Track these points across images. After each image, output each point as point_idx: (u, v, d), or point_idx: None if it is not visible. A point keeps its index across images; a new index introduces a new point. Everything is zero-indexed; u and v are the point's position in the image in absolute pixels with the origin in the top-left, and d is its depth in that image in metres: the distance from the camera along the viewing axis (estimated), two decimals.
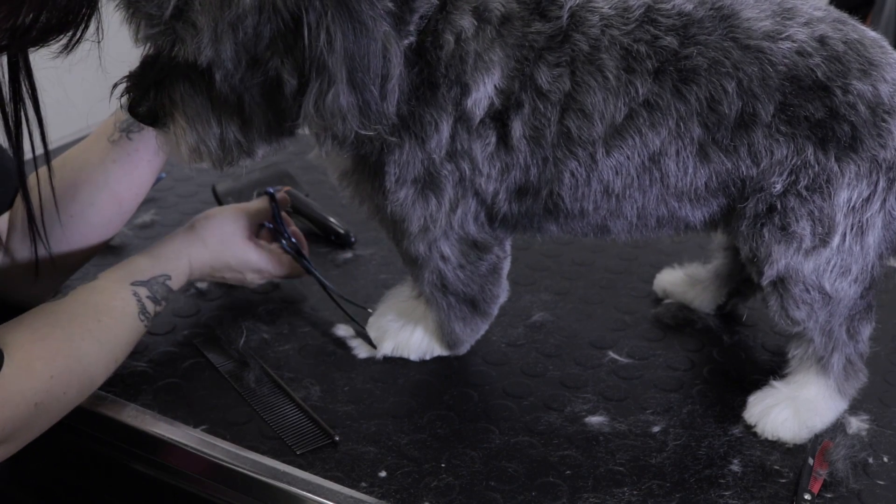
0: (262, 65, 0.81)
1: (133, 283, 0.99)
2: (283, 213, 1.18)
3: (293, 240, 1.16)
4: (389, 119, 0.86)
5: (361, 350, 1.09)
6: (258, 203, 1.17)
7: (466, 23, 0.89)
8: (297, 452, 0.93)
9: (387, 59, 0.81)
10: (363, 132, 0.83)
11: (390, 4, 0.85)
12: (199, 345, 1.09)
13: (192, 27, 0.80)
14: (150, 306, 1.00)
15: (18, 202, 1.02)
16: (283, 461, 0.92)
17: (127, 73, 0.89)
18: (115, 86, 0.91)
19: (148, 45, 0.86)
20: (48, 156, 0.94)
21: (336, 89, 0.79)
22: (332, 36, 0.78)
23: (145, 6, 0.81)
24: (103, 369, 0.94)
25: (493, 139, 0.92)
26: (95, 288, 0.98)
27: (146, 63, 0.88)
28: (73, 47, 0.82)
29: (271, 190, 1.18)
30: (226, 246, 1.10)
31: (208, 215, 1.11)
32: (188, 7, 0.79)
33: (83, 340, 0.91)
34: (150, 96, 0.87)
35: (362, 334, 1.10)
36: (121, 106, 0.90)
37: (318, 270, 1.15)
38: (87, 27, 0.82)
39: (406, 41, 0.88)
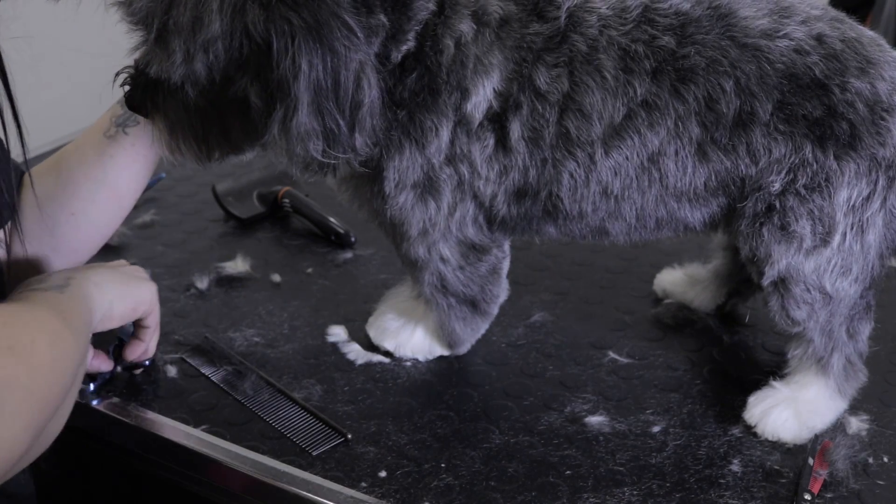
0: (233, 83, 0.82)
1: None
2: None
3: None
4: (360, 150, 0.85)
5: (359, 356, 1.09)
6: None
7: (466, 27, 0.89)
8: (314, 454, 0.93)
9: (359, 87, 0.81)
10: (325, 160, 0.83)
11: (383, 18, 0.85)
12: (188, 357, 1.07)
13: (165, 48, 0.81)
14: None
15: (22, 208, 1.01)
16: (283, 461, 0.92)
17: (130, 64, 0.91)
18: (117, 73, 0.94)
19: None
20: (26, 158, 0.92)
21: (299, 115, 0.79)
22: (297, 62, 0.78)
23: (139, 30, 0.84)
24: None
25: (492, 141, 0.92)
26: None
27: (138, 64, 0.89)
28: None
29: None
30: None
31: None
32: (165, 28, 0.81)
33: None
34: (141, 91, 0.89)
35: None
36: (124, 95, 0.92)
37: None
38: None
39: (404, 47, 0.88)
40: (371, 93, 0.82)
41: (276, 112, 0.80)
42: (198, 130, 0.88)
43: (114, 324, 0.94)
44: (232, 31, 0.79)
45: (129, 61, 0.90)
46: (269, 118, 0.81)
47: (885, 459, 0.94)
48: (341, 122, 0.81)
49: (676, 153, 0.91)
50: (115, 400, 1.00)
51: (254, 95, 0.81)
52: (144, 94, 0.88)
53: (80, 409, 0.92)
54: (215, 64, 0.81)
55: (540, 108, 0.90)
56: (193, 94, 0.84)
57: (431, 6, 0.89)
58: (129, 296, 0.96)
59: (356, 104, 0.81)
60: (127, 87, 0.91)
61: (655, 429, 0.98)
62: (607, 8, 0.91)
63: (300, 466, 0.91)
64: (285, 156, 0.83)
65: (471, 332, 1.07)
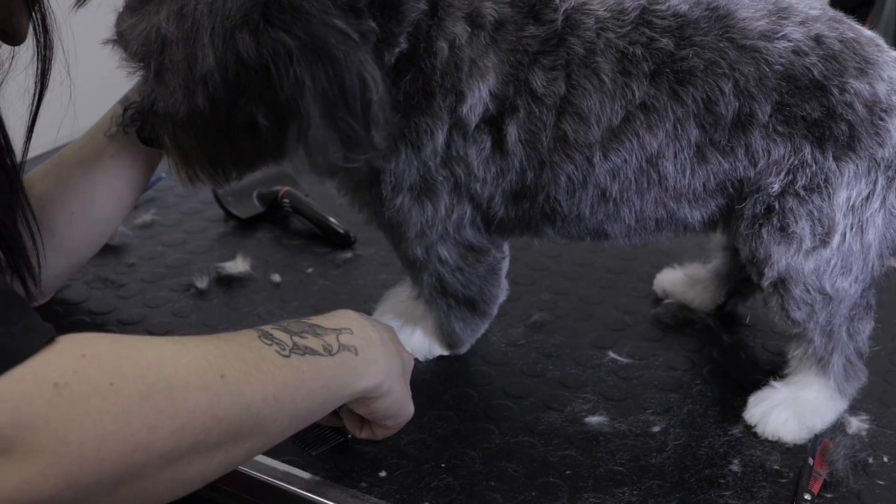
0: (238, 108, 0.82)
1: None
2: None
3: None
4: (378, 146, 0.84)
5: None
6: None
7: (460, 29, 0.89)
8: (313, 454, 0.93)
9: (365, 86, 0.80)
10: (349, 165, 0.83)
11: (372, 23, 0.85)
12: None
13: (165, 86, 0.82)
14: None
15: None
16: (283, 461, 0.92)
17: (136, 99, 0.91)
18: (125, 108, 0.96)
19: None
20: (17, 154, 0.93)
21: (313, 129, 0.79)
22: (300, 79, 0.77)
23: (139, 67, 0.85)
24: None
25: (489, 144, 0.92)
26: None
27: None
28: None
29: None
30: None
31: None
32: (162, 67, 0.81)
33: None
34: (151, 126, 0.89)
35: None
36: (135, 131, 0.94)
37: None
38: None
39: (397, 49, 0.87)
40: (377, 88, 0.81)
41: (291, 130, 0.80)
42: (212, 156, 0.88)
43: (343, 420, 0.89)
44: (226, 62, 0.79)
45: (127, 60, 0.90)
46: (281, 136, 0.81)
47: (885, 459, 0.94)
48: (356, 126, 0.80)
49: (675, 155, 0.90)
50: None
51: (261, 117, 0.81)
52: (155, 129, 0.89)
53: None
54: (217, 94, 0.81)
55: (537, 110, 0.90)
56: (201, 124, 0.84)
57: (422, 6, 0.88)
58: (401, 409, 0.88)
59: (366, 104, 0.81)
60: (137, 124, 0.91)
61: (655, 429, 0.98)
62: (605, 10, 0.91)
63: (299, 466, 0.91)
64: (309, 167, 0.83)
65: (470, 333, 1.08)
